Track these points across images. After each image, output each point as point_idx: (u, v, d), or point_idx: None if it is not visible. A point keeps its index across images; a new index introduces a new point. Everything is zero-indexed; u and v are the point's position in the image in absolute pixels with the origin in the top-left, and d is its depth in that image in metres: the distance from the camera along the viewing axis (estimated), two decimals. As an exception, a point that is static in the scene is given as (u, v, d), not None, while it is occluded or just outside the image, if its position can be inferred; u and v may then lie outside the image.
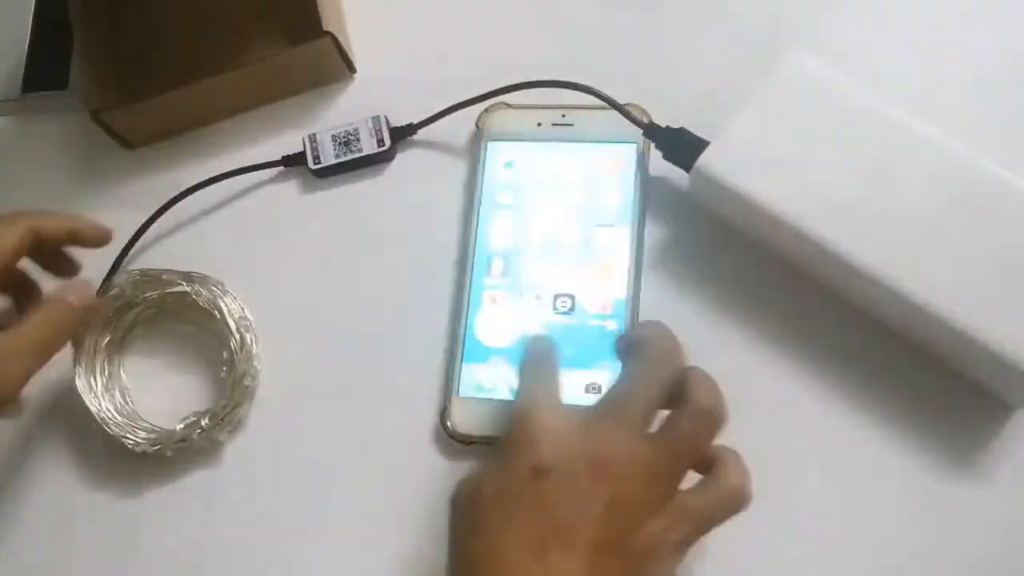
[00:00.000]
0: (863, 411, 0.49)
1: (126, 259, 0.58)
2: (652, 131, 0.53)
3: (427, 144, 0.59)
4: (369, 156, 0.58)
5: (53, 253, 0.53)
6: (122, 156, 0.61)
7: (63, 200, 0.60)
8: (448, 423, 0.50)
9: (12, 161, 0.63)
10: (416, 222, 0.57)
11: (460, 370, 0.51)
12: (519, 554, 0.39)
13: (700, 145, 0.51)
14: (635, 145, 0.54)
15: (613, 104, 0.53)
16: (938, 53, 0.55)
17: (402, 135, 0.58)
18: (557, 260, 0.53)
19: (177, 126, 0.60)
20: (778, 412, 0.49)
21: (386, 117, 0.58)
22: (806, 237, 0.48)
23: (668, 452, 0.41)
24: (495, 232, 0.54)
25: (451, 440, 0.51)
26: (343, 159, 0.58)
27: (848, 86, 0.50)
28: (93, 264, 0.55)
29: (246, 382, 0.53)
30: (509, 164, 0.55)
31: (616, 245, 0.52)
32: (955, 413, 0.48)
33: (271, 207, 0.59)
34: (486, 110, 0.57)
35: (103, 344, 0.55)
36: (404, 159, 0.59)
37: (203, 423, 0.52)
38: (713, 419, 0.42)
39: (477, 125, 0.57)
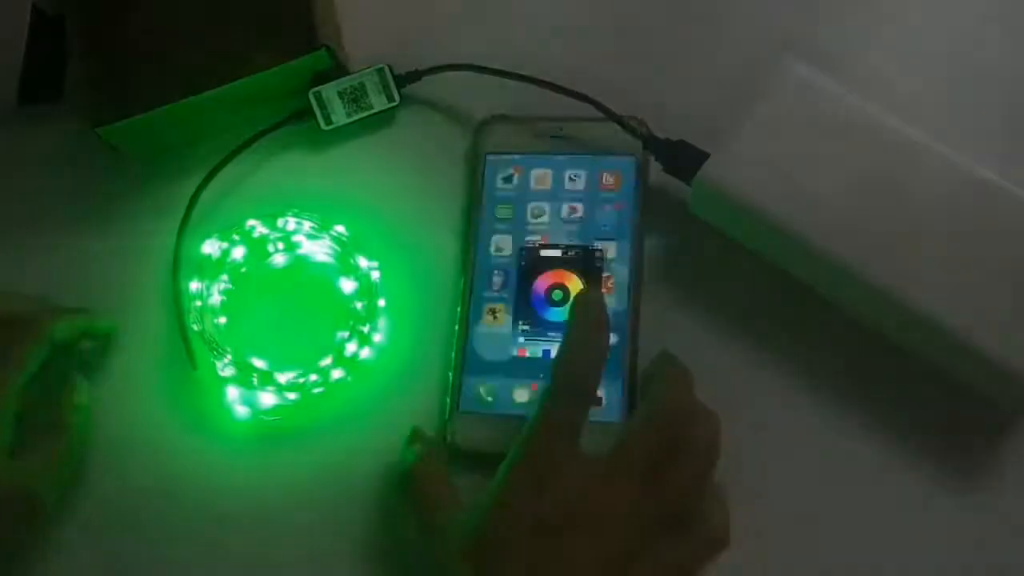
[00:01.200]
0: (866, 422, 0.49)
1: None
2: (651, 143, 0.53)
3: (429, 101, 0.59)
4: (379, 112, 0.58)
5: None
6: (119, 168, 0.60)
7: (59, 213, 0.60)
8: (449, 438, 0.50)
9: (7, 173, 0.62)
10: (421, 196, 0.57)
11: (460, 384, 0.51)
12: None
13: (700, 157, 0.50)
14: (634, 158, 0.54)
15: (612, 116, 0.53)
16: (939, 63, 0.55)
17: (408, 81, 0.58)
18: (557, 273, 0.53)
19: (175, 138, 0.60)
20: (779, 423, 0.49)
21: (389, 67, 0.58)
22: (807, 249, 0.48)
23: (665, 501, 0.42)
24: (494, 246, 0.54)
25: (452, 456, 0.50)
26: (354, 118, 0.58)
27: (849, 96, 0.49)
28: (149, 240, 0.58)
29: (381, 302, 0.54)
30: (507, 178, 0.55)
31: (616, 258, 0.52)
32: (959, 422, 0.48)
33: (283, 168, 0.59)
34: (484, 122, 0.57)
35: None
36: (410, 111, 0.59)
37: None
38: (710, 467, 0.43)
39: (475, 138, 0.57)
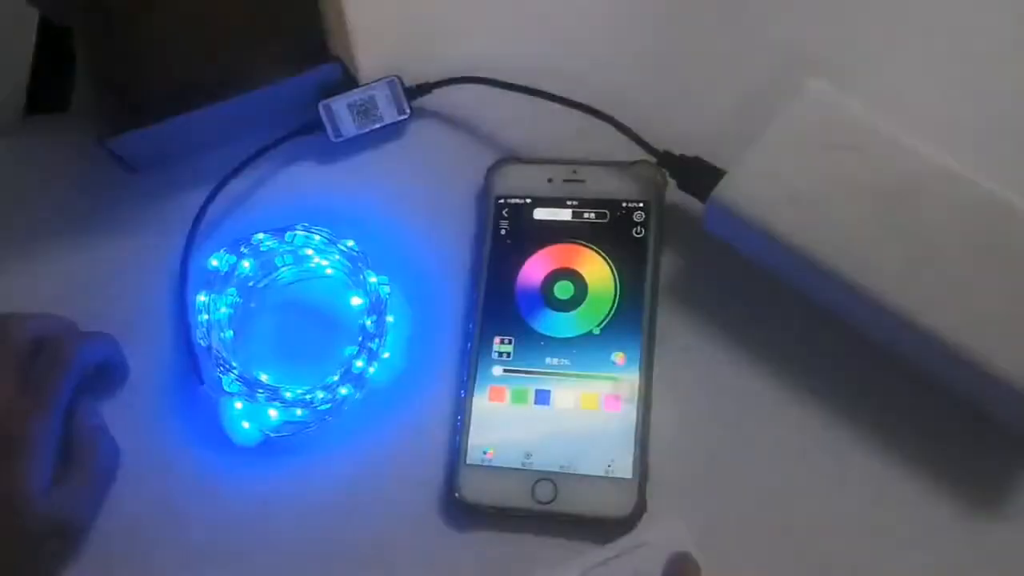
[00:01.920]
0: (882, 447, 0.48)
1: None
2: (667, 159, 0.52)
3: (440, 114, 0.59)
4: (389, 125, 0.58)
5: None
6: (126, 179, 0.60)
7: (65, 224, 0.60)
8: (457, 493, 0.49)
9: (14, 183, 0.62)
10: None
11: (469, 437, 0.50)
12: None
13: (716, 175, 0.50)
14: (648, 202, 0.53)
15: (625, 131, 0.53)
16: (959, 83, 0.54)
17: (418, 94, 0.57)
18: (570, 316, 0.52)
19: (182, 150, 0.59)
20: (794, 446, 0.49)
21: (399, 79, 0.57)
22: (824, 270, 0.47)
23: None
24: (505, 292, 0.53)
25: (461, 511, 0.49)
26: (364, 130, 0.57)
27: (868, 116, 0.49)
28: (156, 252, 0.57)
29: (390, 319, 0.53)
30: (518, 220, 0.54)
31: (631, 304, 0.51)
32: (978, 450, 0.47)
33: (292, 181, 0.59)
34: (495, 164, 0.55)
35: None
36: (420, 124, 0.59)
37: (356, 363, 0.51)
38: None
39: (486, 180, 0.55)
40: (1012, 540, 0.46)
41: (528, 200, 0.54)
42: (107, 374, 0.54)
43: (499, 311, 0.52)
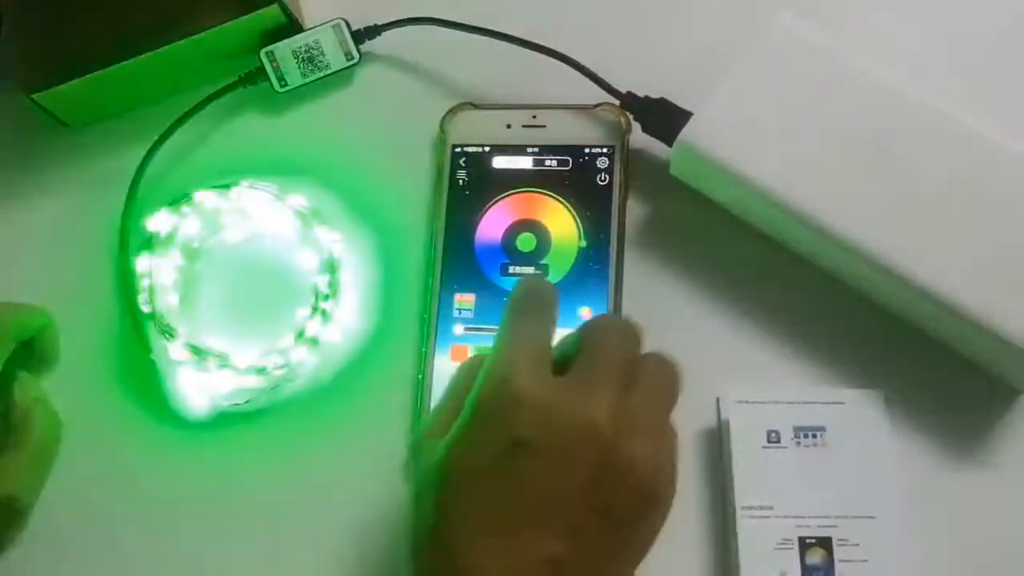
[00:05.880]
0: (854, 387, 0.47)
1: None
2: (631, 101, 0.50)
3: (391, 58, 0.57)
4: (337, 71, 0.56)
5: None
6: (60, 135, 0.57)
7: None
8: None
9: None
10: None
11: (430, 399, 0.48)
12: (493, 534, 0.37)
13: (682, 117, 0.48)
14: (613, 147, 0.51)
15: (585, 72, 0.51)
16: (936, 15, 0.53)
17: (367, 37, 0.55)
18: (533, 267, 0.50)
19: (118, 103, 0.57)
20: (761, 389, 0.47)
21: (346, 21, 0.55)
22: (796, 214, 0.45)
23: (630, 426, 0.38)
24: (464, 246, 0.50)
25: None
26: (311, 78, 0.55)
27: (842, 52, 0.47)
28: (94, 213, 0.55)
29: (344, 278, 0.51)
30: (476, 170, 0.52)
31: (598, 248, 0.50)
32: (959, 397, 0.47)
33: (235, 134, 0.57)
34: (450, 111, 0.53)
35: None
36: (370, 69, 0.57)
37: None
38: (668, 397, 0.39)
39: (441, 128, 0.53)
40: (996, 488, 0.45)
41: (486, 148, 0.52)
42: (40, 350, 0.52)
43: (459, 266, 0.50)
